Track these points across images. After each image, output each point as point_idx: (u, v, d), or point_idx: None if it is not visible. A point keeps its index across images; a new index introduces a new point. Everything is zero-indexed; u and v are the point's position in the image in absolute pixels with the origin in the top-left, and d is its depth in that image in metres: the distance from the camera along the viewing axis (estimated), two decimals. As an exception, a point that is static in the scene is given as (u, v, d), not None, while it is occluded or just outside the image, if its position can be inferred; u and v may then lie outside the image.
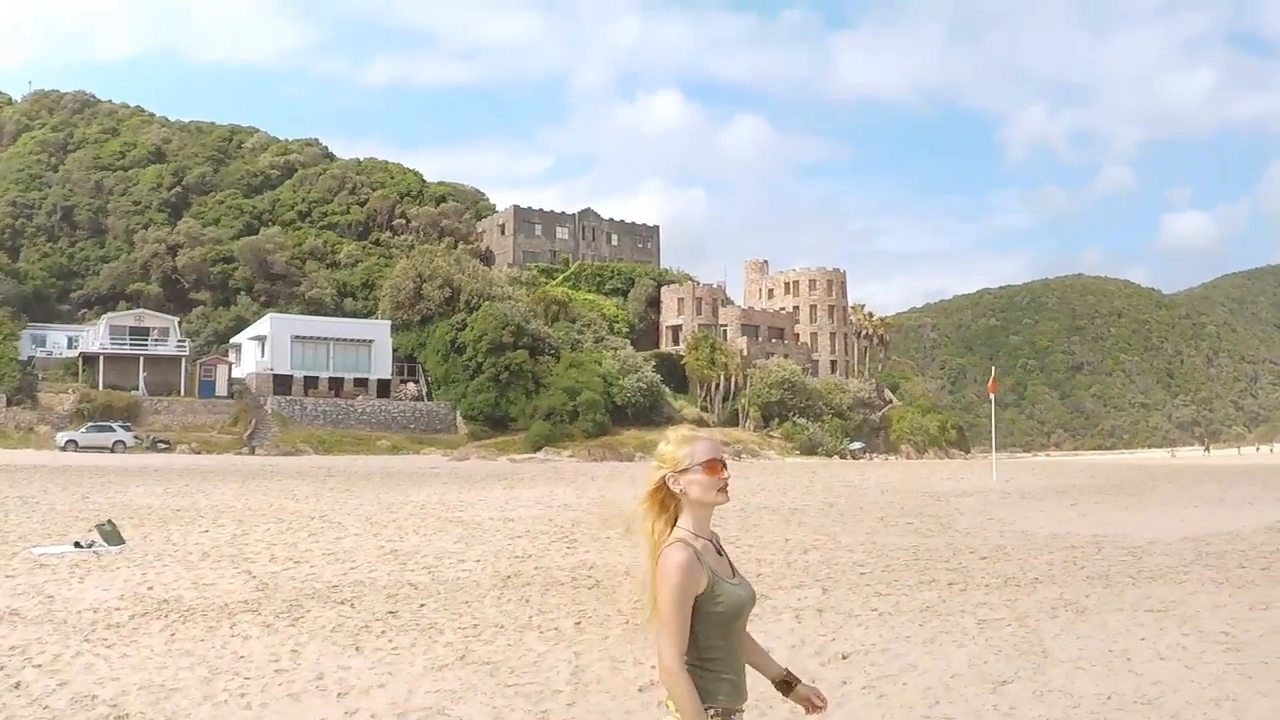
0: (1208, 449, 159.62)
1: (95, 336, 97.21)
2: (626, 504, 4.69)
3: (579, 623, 13.46)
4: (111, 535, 21.43)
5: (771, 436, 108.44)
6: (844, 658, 11.50)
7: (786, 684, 4.71)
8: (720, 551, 4.44)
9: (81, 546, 20.56)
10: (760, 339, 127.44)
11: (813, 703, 4.70)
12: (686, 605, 4.15)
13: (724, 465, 4.44)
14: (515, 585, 16.58)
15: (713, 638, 4.24)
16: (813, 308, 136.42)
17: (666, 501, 4.44)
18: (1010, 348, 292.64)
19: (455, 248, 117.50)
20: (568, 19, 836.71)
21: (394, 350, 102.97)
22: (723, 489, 4.43)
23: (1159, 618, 13.04)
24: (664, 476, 4.43)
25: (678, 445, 4.46)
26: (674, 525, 4.39)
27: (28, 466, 52.24)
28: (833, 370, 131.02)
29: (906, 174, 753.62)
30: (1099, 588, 15.75)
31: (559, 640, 12.38)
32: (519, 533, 24.38)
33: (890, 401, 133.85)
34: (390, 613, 14.21)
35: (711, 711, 4.21)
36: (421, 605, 14.81)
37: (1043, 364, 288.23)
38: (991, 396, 61.81)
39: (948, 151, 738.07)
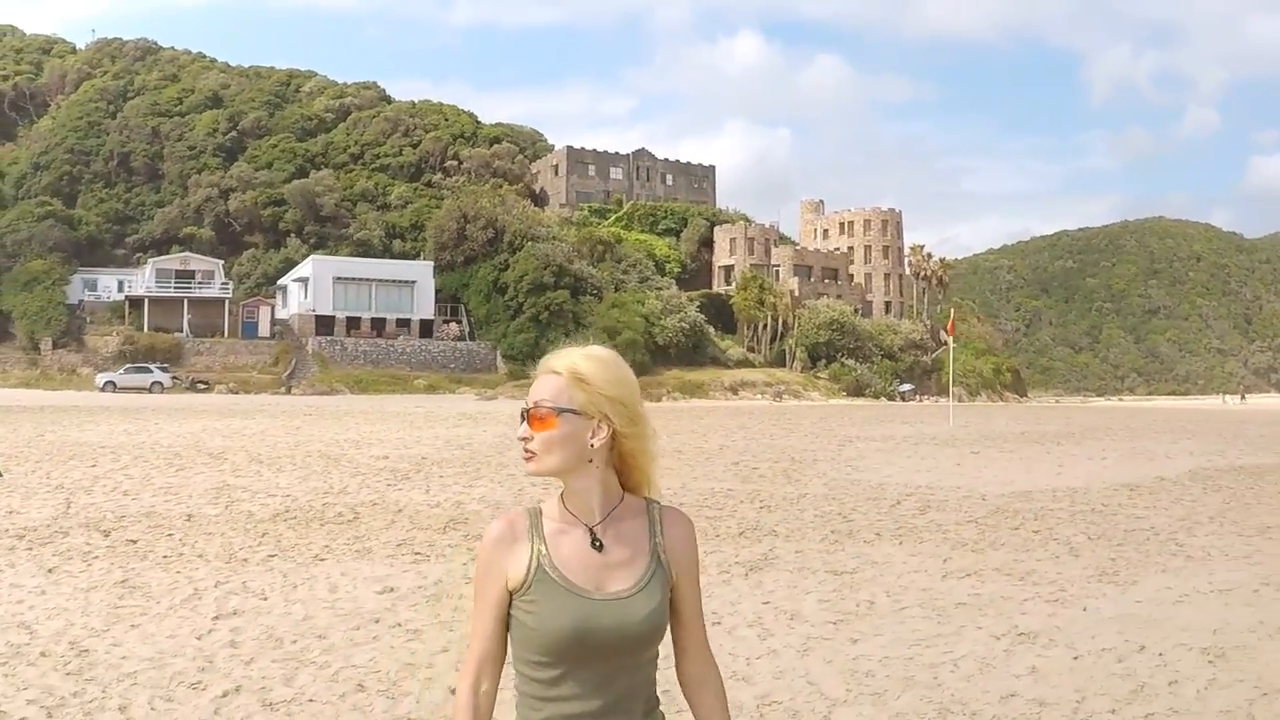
0: (1242, 397, 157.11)
1: (142, 280, 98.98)
2: None
3: (273, 555, 13.64)
4: (-9, 468, 22.17)
5: (818, 377, 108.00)
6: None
7: None
8: (599, 544, 2.97)
9: (-41, 477, 21.26)
10: (813, 279, 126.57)
11: None
12: (482, 596, 2.97)
13: (524, 418, 2.98)
14: (281, 520, 16.72)
15: (528, 662, 2.95)
16: (867, 248, 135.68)
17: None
18: (1086, 290, 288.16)
19: (500, 188, 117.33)
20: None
21: (438, 291, 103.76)
22: (526, 454, 3.00)
23: (833, 579, 12.53)
24: None
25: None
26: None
27: (35, 406, 53.30)
28: (887, 311, 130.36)
29: (992, 114, 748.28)
30: (826, 544, 15.15)
31: (230, 571, 12.56)
32: (374, 470, 24.49)
33: (944, 343, 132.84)
34: (131, 541, 14.48)
35: None
36: (169, 535, 15.06)
37: (1118, 307, 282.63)
38: (949, 339, 61.25)
39: (1033, 92, 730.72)
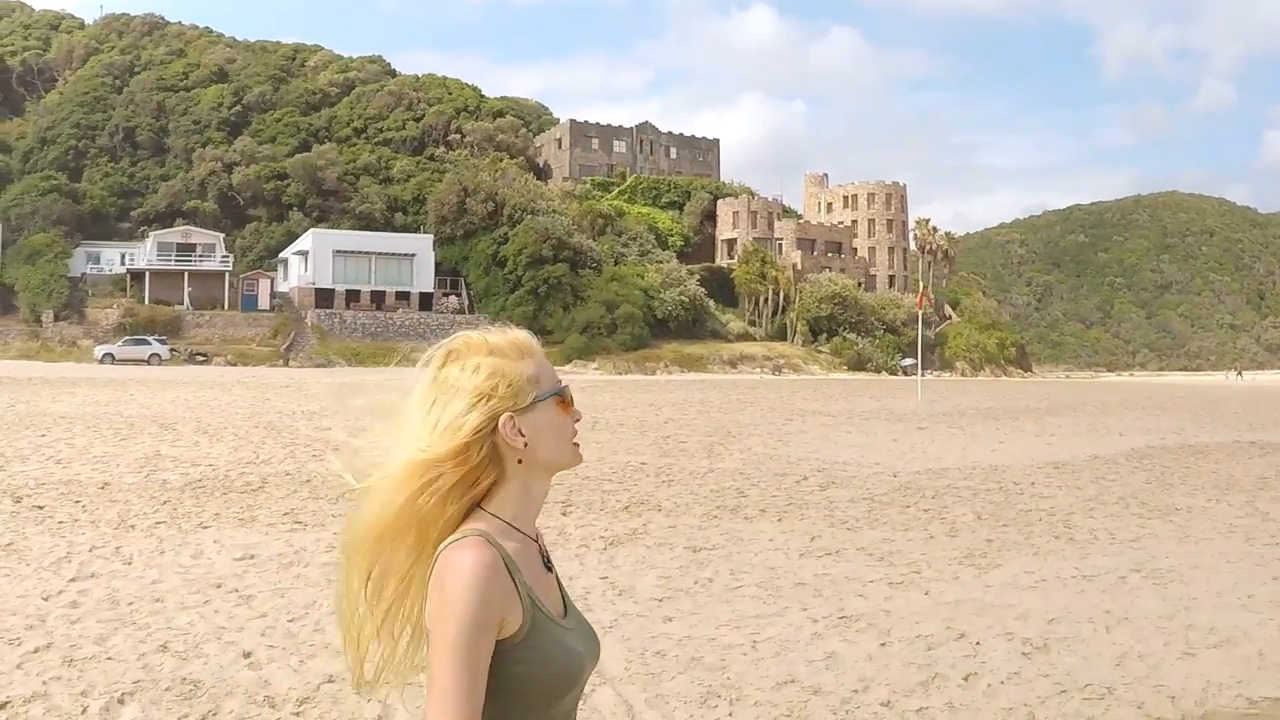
0: (1239, 374, 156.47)
1: (143, 253, 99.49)
2: (387, 454, 2.50)
3: (162, 522, 13.94)
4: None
5: (819, 352, 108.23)
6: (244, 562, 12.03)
7: None
8: (549, 564, 2.55)
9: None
10: (816, 253, 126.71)
11: None
12: (480, 652, 2.25)
13: (568, 398, 2.56)
14: (190, 489, 16.98)
15: None
16: (871, 221, 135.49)
17: (482, 468, 2.46)
18: (1098, 265, 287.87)
19: (500, 162, 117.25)
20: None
21: (438, 264, 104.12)
22: (576, 442, 2.57)
23: (688, 555, 12.48)
24: (502, 416, 2.45)
25: (516, 357, 2.51)
26: (469, 515, 2.46)
27: (24, 378, 53.39)
28: (890, 285, 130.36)
29: (1008, 88, 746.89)
30: (704, 519, 15.07)
31: (113, 536, 12.88)
32: (309, 440, 24.72)
33: (949, 318, 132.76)
34: (38, 507, 14.85)
35: None
36: (76, 501, 15.42)
37: (1130, 282, 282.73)
38: (919, 312, 61.25)
39: (1048, 66, 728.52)
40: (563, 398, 2.51)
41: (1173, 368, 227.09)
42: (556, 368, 2.59)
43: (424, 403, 2.50)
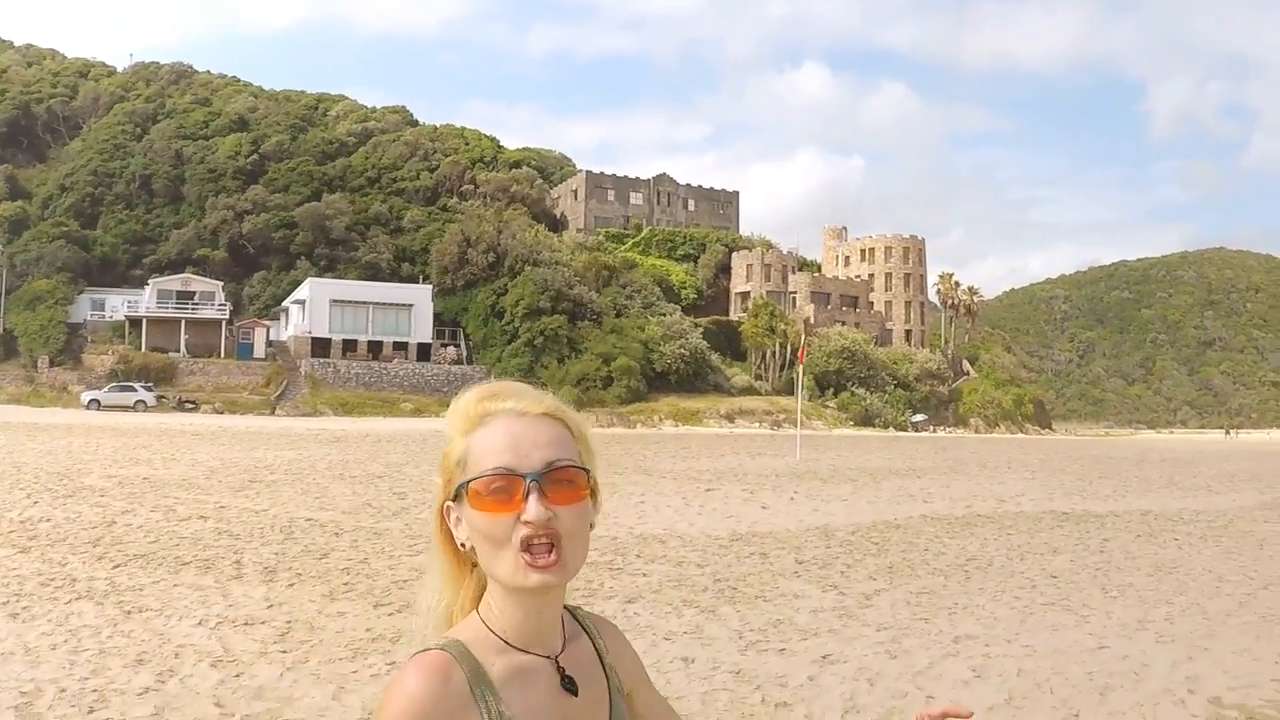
0: (1228, 432, 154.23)
1: (143, 300, 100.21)
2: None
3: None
4: None
5: (826, 407, 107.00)
6: None
7: None
8: (573, 685, 1.95)
9: None
10: (830, 306, 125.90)
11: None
12: None
13: (536, 490, 1.84)
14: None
15: None
16: (888, 275, 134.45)
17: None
18: (1141, 321, 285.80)
19: (504, 212, 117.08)
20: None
21: (438, 314, 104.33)
22: (536, 550, 1.83)
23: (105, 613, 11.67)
24: (444, 503, 1.97)
25: (458, 429, 1.96)
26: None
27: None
28: (907, 340, 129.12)
29: (1065, 144, 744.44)
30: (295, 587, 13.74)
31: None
32: (88, 489, 24.14)
33: (967, 373, 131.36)
34: None
35: None
36: None
37: (1173, 339, 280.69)
38: (800, 367, 59.73)
39: (1102, 122, 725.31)
40: (483, 491, 1.86)
41: (1213, 425, 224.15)
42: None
43: None
